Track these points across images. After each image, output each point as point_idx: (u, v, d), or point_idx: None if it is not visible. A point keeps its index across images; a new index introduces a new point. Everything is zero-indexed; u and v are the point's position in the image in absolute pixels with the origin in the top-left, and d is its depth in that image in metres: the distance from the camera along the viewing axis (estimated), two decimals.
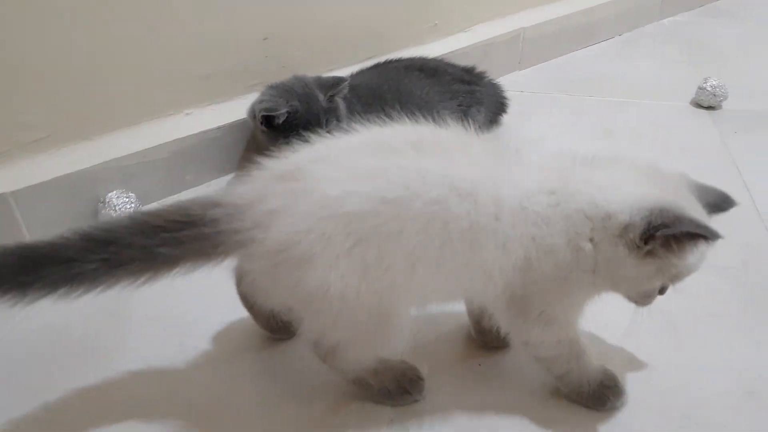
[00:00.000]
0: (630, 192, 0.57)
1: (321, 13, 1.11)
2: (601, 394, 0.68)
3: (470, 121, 1.10)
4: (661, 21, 1.68)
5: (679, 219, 0.54)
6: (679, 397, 0.71)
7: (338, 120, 0.97)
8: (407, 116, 1.00)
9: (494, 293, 0.60)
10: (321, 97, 0.97)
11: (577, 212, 0.57)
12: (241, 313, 0.73)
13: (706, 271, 0.72)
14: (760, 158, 1.13)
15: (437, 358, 0.74)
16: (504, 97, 1.21)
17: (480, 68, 1.21)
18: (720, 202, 0.62)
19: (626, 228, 0.55)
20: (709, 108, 1.29)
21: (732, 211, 0.66)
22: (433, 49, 1.24)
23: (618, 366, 0.71)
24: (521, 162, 0.61)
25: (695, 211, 0.57)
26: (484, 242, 0.56)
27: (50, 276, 0.54)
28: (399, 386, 0.68)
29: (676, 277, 0.59)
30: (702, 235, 0.54)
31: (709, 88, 1.27)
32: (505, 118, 1.23)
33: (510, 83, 1.37)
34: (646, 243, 0.55)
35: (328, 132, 0.91)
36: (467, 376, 0.73)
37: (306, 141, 0.81)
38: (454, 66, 1.16)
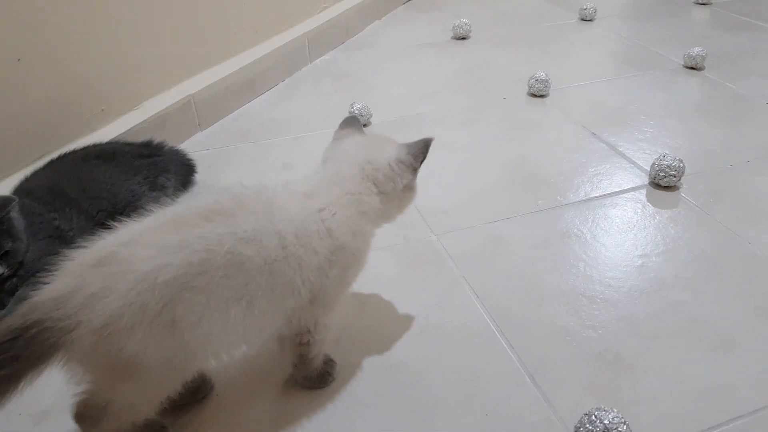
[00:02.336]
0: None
1: None
2: (325, 371, 0.87)
3: (161, 189, 1.21)
4: (313, 62, 1.97)
5: (422, 142, 0.84)
6: (378, 349, 0.92)
7: (14, 240, 0.94)
8: (95, 205, 1.07)
9: (302, 302, 0.75)
10: None
11: (351, 215, 0.78)
12: None
13: (380, 253, 0.99)
14: None
15: None
16: (189, 160, 1.33)
17: (159, 139, 1.31)
18: (422, 149, 0.85)
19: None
20: (363, 126, 1.58)
21: None
22: (106, 134, 1.30)
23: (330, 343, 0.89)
24: (283, 199, 0.76)
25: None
26: (280, 268, 0.71)
27: None
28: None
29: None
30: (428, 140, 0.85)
31: (356, 111, 1.56)
32: (199, 177, 1.35)
33: (195, 145, 1.50)
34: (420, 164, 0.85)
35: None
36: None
37: None
38: (131, 144, 1.24)
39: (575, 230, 1.17)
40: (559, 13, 2.37)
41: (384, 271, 1.08)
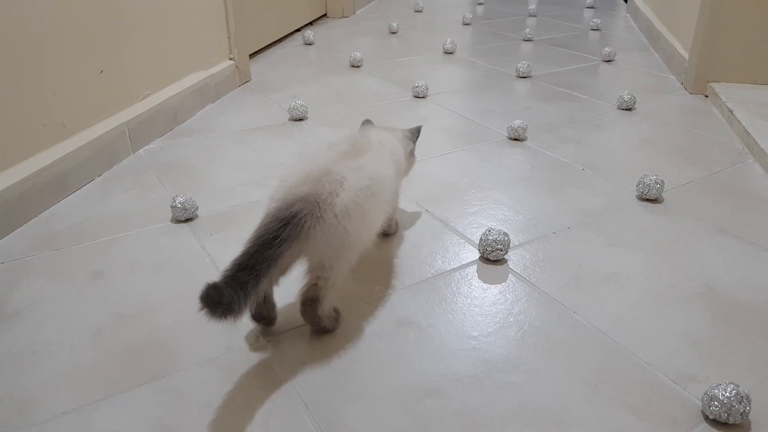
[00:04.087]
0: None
1: None
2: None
3: None
4: (137, 152, 1.84)
5: (416, 128, 1.38)
6: None
7: None
8: None
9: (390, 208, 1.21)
10: None
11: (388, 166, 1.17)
12: None
13: (196, 371, 0.88)
14: (235, 249, 1.33)
15: None
16: None
17: None
18: (417, 131, 1.38)
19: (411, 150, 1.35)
20: (188, 220, 1.46)
21: None
22: None
23: None
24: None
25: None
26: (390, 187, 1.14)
27: (259, 267, 0.88)
28: (337, 311, 1.10)
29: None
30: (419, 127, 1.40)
31: (179, 205, 1.45)
32: None
33: None
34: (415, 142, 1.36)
35: None
36: None
37: None
38: None
39: (410, 317, 1.13)
40: (394, 92, 2.44)
41: (201, 392, 0.95)
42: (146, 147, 1.88)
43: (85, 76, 1.65)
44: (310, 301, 1.01)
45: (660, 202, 1.55)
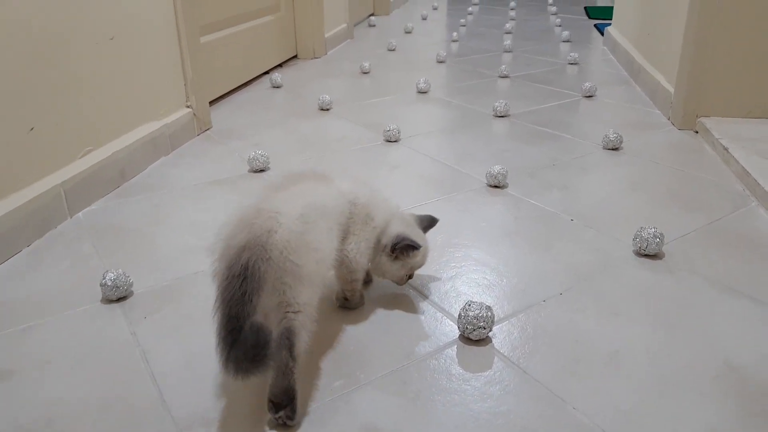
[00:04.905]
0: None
1: None
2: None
3: None
4: (75, 216, 1.64)
5: (403, 239, 1.14)
6: None
7: None
8: None
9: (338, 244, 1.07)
10: None
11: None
12: None
13: None
14: (170, 336, 1.13)
15: None
16: None
17: None
18: (430, 222, 1.27)
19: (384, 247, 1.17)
20: (120, 300, 1.26)
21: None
22: None
23: None
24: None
25: (415, 233, 1.18)
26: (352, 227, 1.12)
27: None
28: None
29: (412, 268, 1.20)
30: (413, 246, 1.14)
31: (109, 283, 1.24)
32: None
33: None
34: (392, 252, 1.16)
35: None
36: None
37: None
38: None
39: (378, 422, 0.92)
40: (364, 136, 2.28)
41: None
42: (86, 209, 1.68)
43: (9, 135, 1.46)
44: (284, 332, 0.91)
45: (660, 258, 1.37)
